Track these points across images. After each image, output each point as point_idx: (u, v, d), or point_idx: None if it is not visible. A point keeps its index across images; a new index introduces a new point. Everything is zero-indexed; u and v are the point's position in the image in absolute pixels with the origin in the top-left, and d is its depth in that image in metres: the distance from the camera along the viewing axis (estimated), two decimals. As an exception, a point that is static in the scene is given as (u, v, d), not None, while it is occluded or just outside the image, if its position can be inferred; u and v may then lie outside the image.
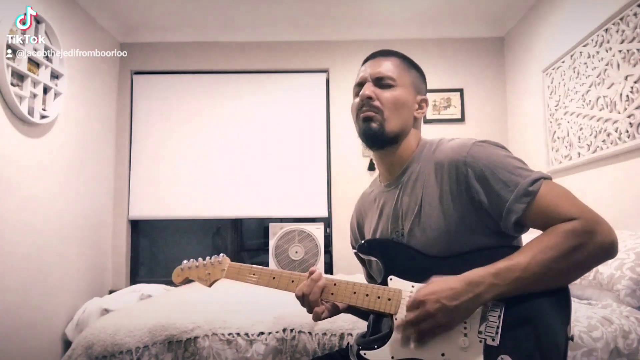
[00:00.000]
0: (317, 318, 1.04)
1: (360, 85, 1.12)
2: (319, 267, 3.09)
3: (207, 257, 1.21)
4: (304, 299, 1.04)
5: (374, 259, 1.08)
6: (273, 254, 3.12)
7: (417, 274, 0.99)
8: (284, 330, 1.57)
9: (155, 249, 3.75)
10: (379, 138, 1.08)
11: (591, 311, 1.56)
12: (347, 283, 1.04)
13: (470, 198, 0.98)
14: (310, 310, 1.05)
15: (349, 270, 3.12)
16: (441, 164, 1.02)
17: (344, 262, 3.30)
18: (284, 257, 3.11)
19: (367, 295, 1.01)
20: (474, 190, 0.97)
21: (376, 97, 1.08)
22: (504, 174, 0.95)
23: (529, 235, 0.97)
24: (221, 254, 1.20)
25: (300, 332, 1.57)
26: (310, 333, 1.57)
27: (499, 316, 0.90)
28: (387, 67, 1.11)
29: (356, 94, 1.13)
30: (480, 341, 0.90)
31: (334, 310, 1.09)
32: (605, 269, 1.72)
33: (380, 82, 1.09)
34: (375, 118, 1.07)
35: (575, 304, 1.71)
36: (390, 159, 1.12)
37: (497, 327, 0.89)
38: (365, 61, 1.16)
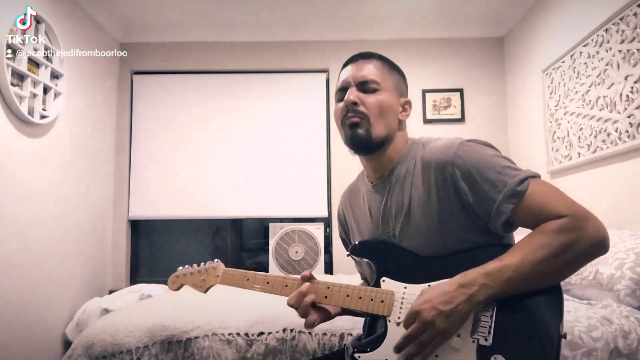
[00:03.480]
0: (310, 327, 1.03)
1: (343, 90, 1.10)
2: (318, 267, 3.09)
3: (202, 263, 1.20)
4: (294, 308, 1.04)
5: (367, 260, 1.07)
6: (273, 254, 3.12)
7: (410, 275, 0.99)
8: (284, 330, 1.57)
9: (155, 249, 3.74)
10: (366, 144, 1.07)
11: (591, 311, 1.56)
12: (340, 286, 1.03)
13: (458, 199, 0.97)
14: (301, 317, 1.04)
15: (349, 271, 3.12)
16: (428, 164, 1.02)
17: (344, 262, 3.30)
18: (284, 257, 3.11)
19: (360, 297, 1.01)
20: (462, 191, 0.97)
21: (361, 103, 1.06)
22: (492, 174, 0.95)
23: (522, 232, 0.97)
24: (215, 260, 1.20)
25: (300, 332, 1.57)
26: (310, 333, 1.57)
27: (491, 316, 0.90)
28: (370, 70, 1.08)
29: (339, 99, 1.11)
30: (473, 341, 0.89)
31: (326, 316, 1.07)
32: (605, 269, 1.72)
33: (364, 86, 1.07)
34: (361, 124, 1.05)
35: (575, 304, 1.71)
36: (377, 162, 1.11)
37: (490, 327, 0.89)
38: (346, 64, 1.14)
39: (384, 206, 1.10)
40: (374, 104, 1.06)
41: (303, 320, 1.03)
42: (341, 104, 1.09)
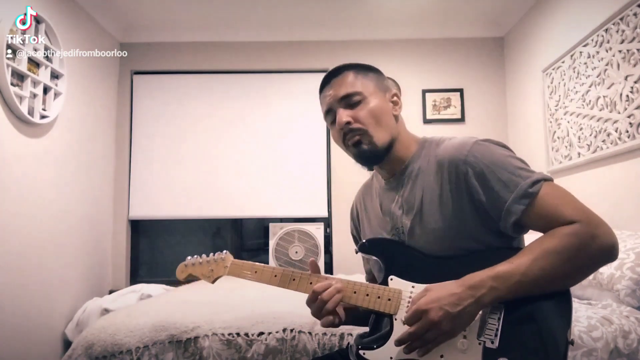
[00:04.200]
0: (331, 323, 1.00)
1: (329, 111, 1.09)
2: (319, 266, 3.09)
3: (211, 254, 1.20)
4: (316, 301, 1.00)
5: (375, 258, 1.07)
6: (273, 254, 3.12)
7: (418, 275, 0.99)
8: (284, 330, 1.57)
9: (155, 249, 3.75)
10: (375, 156, 1.07)
11: (591, 311, 1.56)
12: (347, 283, 1.03)
13: (470, 197, 0.97)
14: (317, 314, 1.01)
15: (349, 271, 3.12)
16: (442, 162, 1.01)
17: (344, 262, 3.30)
18: (284, 257, 3.11)
19: (368, 295, 1.01)
20: (474, 190, 0.96)
21: (354, 120, 1.05)
22: (504, 174, 0.94)
23: (531, 236, 0.96)
24: (224, 251, 1.20)
25: (300, 332, 1.57)
26: (310, 333, 1.57)
27: (499, 319, 0.90)
28: (347, 83, 1.07)
29: (331, 122, 1.10)
30: (480, 343, 0.89)
31: (340, 320, 1.05)
32: (605, 269, 1.72)
33: (349, 101, 1.05)
34: (363, 140, 1.05)
35: (575, 304, 1.71)
36: (389, 164, 1.11)
37: (497, 330, 0.89)
38: (322, 87, 1.12)
39: (395, 203, 1.10)
40: (366, 115, 1.05)
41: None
42: (336, 127, 1.07)
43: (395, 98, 1.11)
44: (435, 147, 1.07)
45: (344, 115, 1.05)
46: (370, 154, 1.06)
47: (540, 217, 0.92)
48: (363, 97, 1.06)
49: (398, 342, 0.90)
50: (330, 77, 1.10)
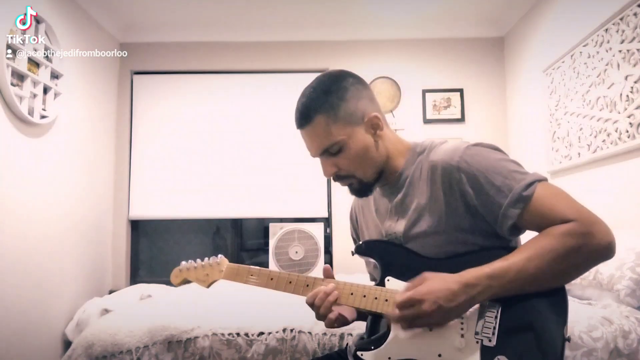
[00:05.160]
0: (331, 325, 1.02)
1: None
2: (318, 267, 3.09)
3: (206, 258, 1.20)
4: (313, 308, 1.03)
5: (372, 260, 1.08)
6: (273, 254, 3.12)
7: (414, 275, 0.98)
8: (284, 330, 1.57)
9: (155, 249, 3.75)
10: (367, 188, 1.09)
11: (591, 311, 1.56)
12: (344, 284, 1.04)
13: (464, 203, 0.97)
14: (320, 317, 1.03)
15: (349, 270, 3.12)
16: (435, 168, 1.01)
17: (344, 262, 3.30)
18: (284, 257, 3.11)
19: (365, 296, 1.01)
20: (468, 196, 0.97)
21: (338, 167, 1.06)
22: (498, 178, 0.94)
23: (529, 234, 0.96)
24: (219, 255, 1.19)
25: (300, 332, 1.57)
26: (310, 333, 1.57)
27: (496, 317, 0.90)
28: (321, 135, 1.04)
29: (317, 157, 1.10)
30: (477, 342, 0.90)
31: (344, 321, 1.07)
32: (605, 269, 1.72)
33: (329, 151, 1.05)
34: (352, 183, 1.08)
35: (575, 304, 1.71)
36: (383, 178, 1.11)
37: (494, 328, 0.90)
38: (296, 125, 1.09)
39: (390, 209, 1.10)
40: (350, 163, 1.05)
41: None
42: (324, 174, 1.10)
43: (375, 121, 1.05)
44: (427, 152, 1.06)
45: (328, 166, 1.07)
46: (362, 189, 1.09)
47: (536, 218, 0.92)
48: (342, 144, 1.03)
49: (392, 318, 0.93)
50: (301, 120, 1.06)
